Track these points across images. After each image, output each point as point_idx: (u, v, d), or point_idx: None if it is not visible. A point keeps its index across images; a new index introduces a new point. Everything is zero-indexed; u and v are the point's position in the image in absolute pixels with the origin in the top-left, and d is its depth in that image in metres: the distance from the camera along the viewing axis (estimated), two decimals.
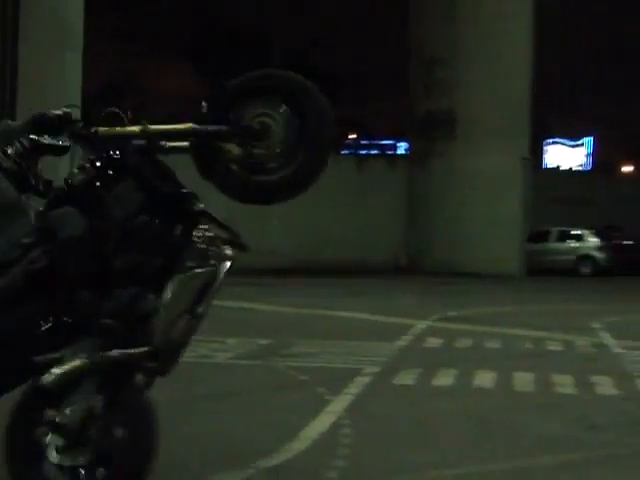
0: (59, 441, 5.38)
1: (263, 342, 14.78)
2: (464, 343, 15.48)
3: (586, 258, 43.80)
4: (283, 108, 5.90)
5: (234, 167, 5.86)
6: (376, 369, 12.18)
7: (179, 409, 9.83)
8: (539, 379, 11.78)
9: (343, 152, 65.46)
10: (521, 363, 13.15)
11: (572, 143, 72.22)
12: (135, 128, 5.82)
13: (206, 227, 5.78)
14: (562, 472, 7.59)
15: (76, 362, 5.40)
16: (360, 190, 41.55)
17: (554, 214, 44.90)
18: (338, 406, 9.66)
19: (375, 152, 77.31)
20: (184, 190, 5.83)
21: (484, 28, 40.16)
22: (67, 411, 5.39)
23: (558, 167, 67.82)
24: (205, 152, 5.90)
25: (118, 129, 5.88)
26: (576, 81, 71.04)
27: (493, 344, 15.43)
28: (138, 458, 5.52)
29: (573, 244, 44.71)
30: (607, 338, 16.72)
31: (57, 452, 5.40)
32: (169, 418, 9.26)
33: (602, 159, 73.50)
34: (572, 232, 44.92)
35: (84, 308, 5.57)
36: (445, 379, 11.62)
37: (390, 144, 77.62)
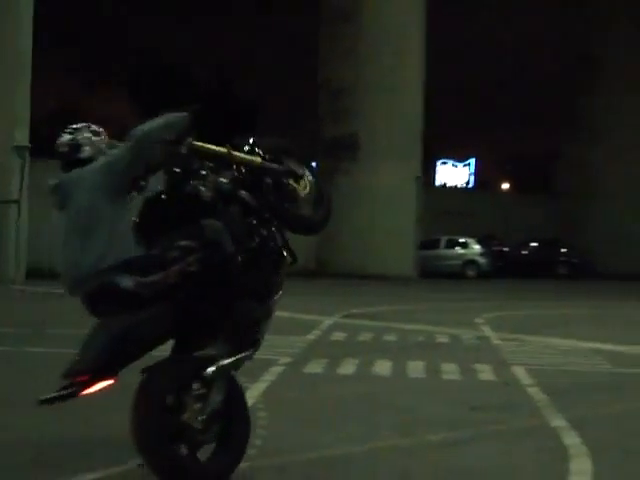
0: (198, 424, 5.84)
1: None
2: (365, 336, 15.54)
3: (471, 263, 44.18)
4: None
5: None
6: (289, 359, 12.19)
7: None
8: (429, 367, 11.88)
9: None
10: (414, 353, 13.22)
11: (458, 164, 72.81)
12: (223, 150, 6.41)
13: None
14: (447, 448, 7.67)
15: (226, 362, 6.04)
16: None
17: (443, 225, 45.23)
18: (255, 392, 9.65)
19: None
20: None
21: (383, 64, 40.36)
22: (215, 398, 5.94)
23: (446, 184, 68.36)
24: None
25: (209, 146, 6.38)
26: (463, 110, 71.65)
27: (390, 337, 15.51)
28: (244, 438, 6.24)
29: (459, 250, 45.05)
30: (488, 331, 16.90)
31: (194, 432, 5.86)
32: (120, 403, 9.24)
33: (483, 178, 74.32)
34: (459, 240, 45.28)
35: (239, 314, 6.23)
36: (348, 368, 11.66)
37: None
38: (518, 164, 79.54)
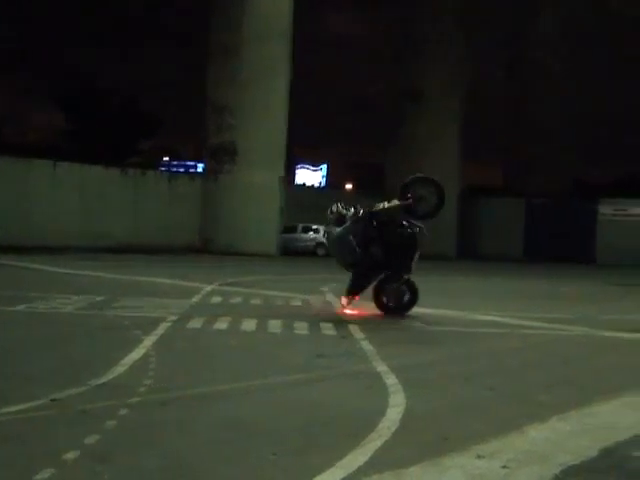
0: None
1: (99, 298, 14.47)
2: (236, 300, 15.47)
3: (321, 244, 44.42)
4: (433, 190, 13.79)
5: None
6: (175, 317, 12.07)
7: (34, 343, 9.58)
8: (285, 324, 11.90)
9: (160, 170, 64.68)
10: (274, 313, 13.22)
11: (314, 168, 73.24)
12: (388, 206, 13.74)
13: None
14: (297, 386, 7.71)
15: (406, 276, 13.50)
16: (170, 196, 41.18)
17: (300, 215, 45.39)
18: (148, 342, 9.55)
19: (182, 170, 76.74)
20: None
21: (258, 86, 40.32)
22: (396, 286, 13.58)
23: (304, 184, 68.65)
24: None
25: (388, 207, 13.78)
26: (318, 125, 72.33)
27: (256, 301, 15.47)
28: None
29: (312, 235, 45.28)
30: (331, 297, 16.99)
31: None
32: (30, 349, 9.02)
33: (332, 180, 75.10)
34: (312, 227, 45.49)
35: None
36: (223, 324, 11.61)
37: (192, 165, 76.72)
38: (359, 170, 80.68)
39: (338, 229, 13.67)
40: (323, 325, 12.00)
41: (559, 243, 49.27)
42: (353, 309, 13.90)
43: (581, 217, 50.46)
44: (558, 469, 5.18)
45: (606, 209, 50.44)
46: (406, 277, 13.59)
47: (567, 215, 50.84)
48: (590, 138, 73.53)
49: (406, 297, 13.66)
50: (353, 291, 13.79)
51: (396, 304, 13.69)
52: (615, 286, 26.30)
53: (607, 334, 12.55)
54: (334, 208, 14.07)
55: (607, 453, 5.64)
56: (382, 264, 13.49)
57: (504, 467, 5.18)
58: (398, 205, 13.67)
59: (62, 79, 58.95)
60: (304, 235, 45.30)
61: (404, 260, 13.37)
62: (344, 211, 13.86)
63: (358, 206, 13.97)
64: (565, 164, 59.31)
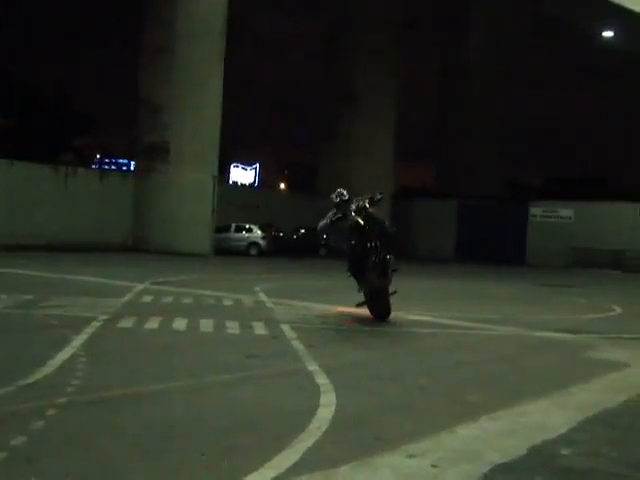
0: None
1: (28, 297, 14.19)
2: (167, 299, 15.32)
3: (254, 244, 44.30)
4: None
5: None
6: (106, 317, 11.91)
7: None
8: (217, 324, 11.83)
9: (92, 167, 63.82)
10: (205, 313, 13.12)
11: (247, 167, 72.98)
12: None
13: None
14: (226, 387, 7.65)
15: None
16: (102, 194, 40.59)
17: (233, 214, 45.21)
18: (77, 342, 9.41)
19: (114, 168, 75.93)
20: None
21: (191, 88, 40.03)
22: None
23: (237, 182, 68.36)
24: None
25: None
26: (254, 125, 72.31)
27: (187, 300, 15.36)
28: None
29: (245, 234, 45.10)
30: (263, 297, 16.94)
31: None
32: None
33: (265, 179, 75.10)
34: (245, 226, 45.31)
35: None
36: (153, 324, 11.47)
37: (125, 162, 75.90)
38: (292, 170, 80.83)
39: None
40: (255, 325, 11.95)
41: (491, 244, 49.90)
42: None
43: (512, 219, 51.19)
44: (487, 468, 5.23)
45: (536, 211, 51.27)
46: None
47: (499, 216, 51.54)
48: (524, 140, 74.60)
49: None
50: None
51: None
52: (544, 286, 26.73)
53: (536, 334, 12.74)
54: (344, 193, 13.62)
55: (536, 452, 5.71)
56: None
57: (434, 466, 5.21)
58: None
59: None
60: (237, 235, 45.10)
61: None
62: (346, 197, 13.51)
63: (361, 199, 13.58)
64: (496, 166, 60.25)
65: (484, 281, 29.27)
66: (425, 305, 16.73)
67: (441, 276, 31.77)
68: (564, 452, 5.75)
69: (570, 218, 49.99)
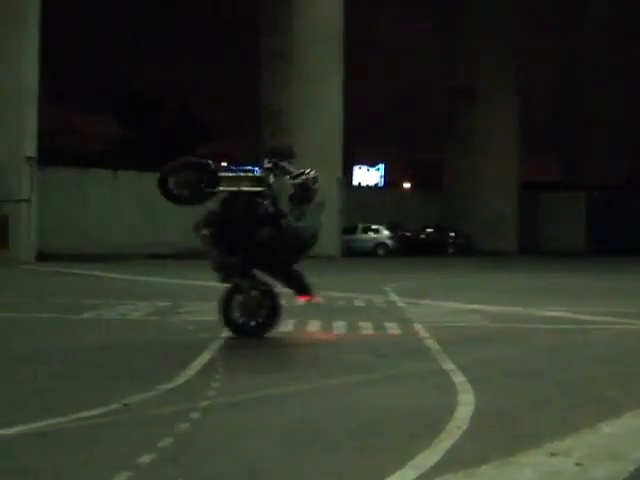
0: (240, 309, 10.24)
1: (163, 304, 14.61)
2: (299, 301, 15.40)
3: (381, 244, 44.39)
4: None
5: None
6: None
7: (102, 350, 9.71)
8: (349, 324, 11.91)
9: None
10: (337, 314, 13.21)
11: (371, 168, 73.08)
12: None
13: None
14: (357, 388, 7.67)
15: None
16: None
17: (360, 215, 45.35)
18: (214, 346, 9.62)
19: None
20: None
21: (311, 90, 40.42)
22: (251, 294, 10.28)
23: (361, 184, 68.52)
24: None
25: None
26: (376, 125, 72.29)
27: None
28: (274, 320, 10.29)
29: (372, 235, 45.23)
30: (394, 297, 16.96)
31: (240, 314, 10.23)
32: (108, 355, 9.14)
33: (390, 179, 74.85)
34: (371, 227, 45.42)
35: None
36: (287, 326, 11.55)
37: (251, 169, 77.13)
38: (417, 169, 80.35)
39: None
40: (388, 325, 11.97)
41: (622, 237, 48.38)
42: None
43: None
44: (633, 466, 5.09)
45: None
46: None
47: (630, 208, 49.96)
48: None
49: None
50: None
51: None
52: None
53: None
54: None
55: None
56: None
57: (578, 464, 5.10)
58: None
59: (107, 83, 59.46)
60: (364, 235, 45.24)
61: None
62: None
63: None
64: (619, 158, 58.50)
65: (619, 274, 28.44)
66: (559, 301, 16.38)
67: (571, 272, 31.01)
68: None
69: None
